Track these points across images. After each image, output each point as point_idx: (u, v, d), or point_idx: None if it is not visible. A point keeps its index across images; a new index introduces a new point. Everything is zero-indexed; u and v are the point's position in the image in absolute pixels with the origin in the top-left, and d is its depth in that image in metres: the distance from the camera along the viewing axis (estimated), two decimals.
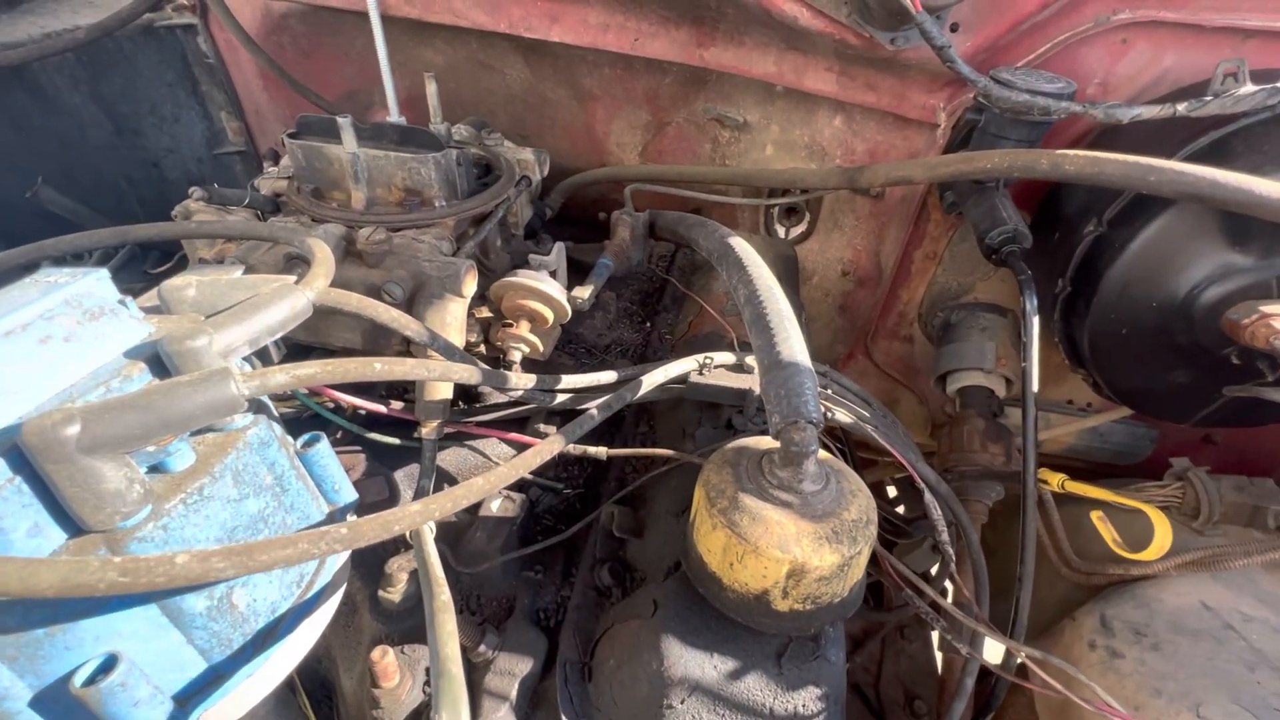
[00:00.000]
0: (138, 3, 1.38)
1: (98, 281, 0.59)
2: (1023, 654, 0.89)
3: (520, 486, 1.09)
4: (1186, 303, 1.10)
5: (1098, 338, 1.23)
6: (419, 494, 0.93)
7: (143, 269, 1.27)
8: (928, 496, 1.01)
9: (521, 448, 1.13)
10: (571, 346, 1.49)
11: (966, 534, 1.14)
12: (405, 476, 1.02)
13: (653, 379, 0.97)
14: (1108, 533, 1.22)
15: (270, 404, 0.72)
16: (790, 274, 1.76)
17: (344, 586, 0.74)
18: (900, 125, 1.56)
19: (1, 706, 0.48)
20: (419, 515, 0.56)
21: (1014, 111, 1.12)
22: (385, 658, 0.73)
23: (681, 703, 0.73)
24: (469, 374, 0.76)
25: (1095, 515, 1.25)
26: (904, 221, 1.67)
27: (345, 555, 0.74)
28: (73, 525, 0.49)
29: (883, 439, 1.10)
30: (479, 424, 1.03)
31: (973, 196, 1.30)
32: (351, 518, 0.81)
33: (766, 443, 0.82)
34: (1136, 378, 1.26)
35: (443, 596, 0.62)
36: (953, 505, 1.13)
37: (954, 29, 1.26)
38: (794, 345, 0.80)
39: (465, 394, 1.13)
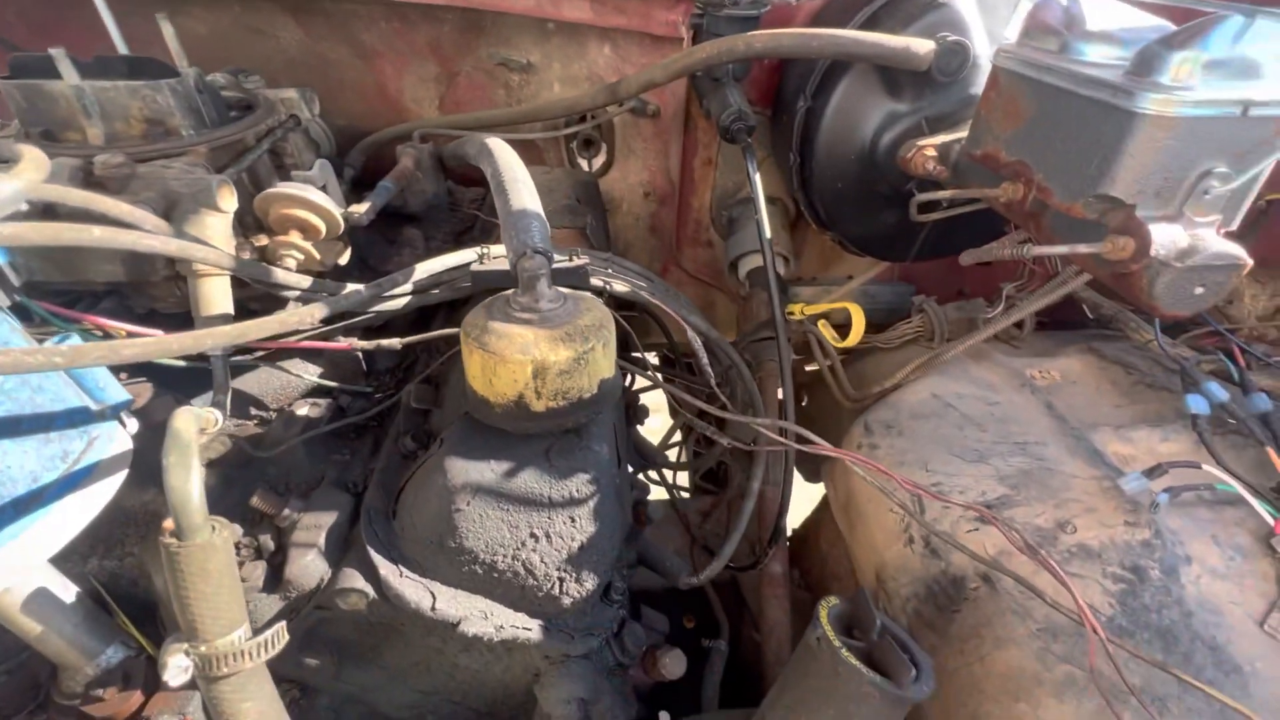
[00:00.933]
0: None
1: None
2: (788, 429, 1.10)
3: (329, 396, 1.15)
4: (871, 151, 1.36)
5: (824, 197, 1.48)
6: (215, 408, 0.96)
7: None
8: (690, 335, 1.19)
9: (329, 364, 1.18)
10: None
11: (741, 374, 1.35)
12: (201, 401, 1.05)
13: (427, 267, 1.06)
14: (827, 331, 1.50)
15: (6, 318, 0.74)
16: (593, 200, 1.91)
17: (121, 475, 0.78)
18: (656, 44, 1.74)
19: None
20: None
21: (718, 6, 1.31)
22: None
23: (468, 504, 0.84)
24: (215, 255, 0.81)
25: (820, 323, 1.52)
26: (678, 134, 1.87)
27: (116, 441, 0.77)
28: None
29: (659, 300, 1.27)
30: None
31: (711, 93, 1.50)
32: (129, 421, 0.84)
33: None
34: (860, 225, 1.53)
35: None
36: (725, 348, 1.32)
37: None
38: (524, 196, 0.93)
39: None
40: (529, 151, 2.09)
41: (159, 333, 0.99)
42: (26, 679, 0.90)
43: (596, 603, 0.95)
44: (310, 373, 1.15)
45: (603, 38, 1.80)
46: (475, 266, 1.16)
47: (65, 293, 1.01)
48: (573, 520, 0.88)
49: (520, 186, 0.96)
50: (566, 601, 0.90)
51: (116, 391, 0.81)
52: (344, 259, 1.27)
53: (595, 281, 1.24)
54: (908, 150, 1.28)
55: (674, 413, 1.94)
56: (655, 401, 1.99)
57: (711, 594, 1.68)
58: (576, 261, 1.20)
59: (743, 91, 1.49)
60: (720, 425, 2.12)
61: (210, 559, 0.65)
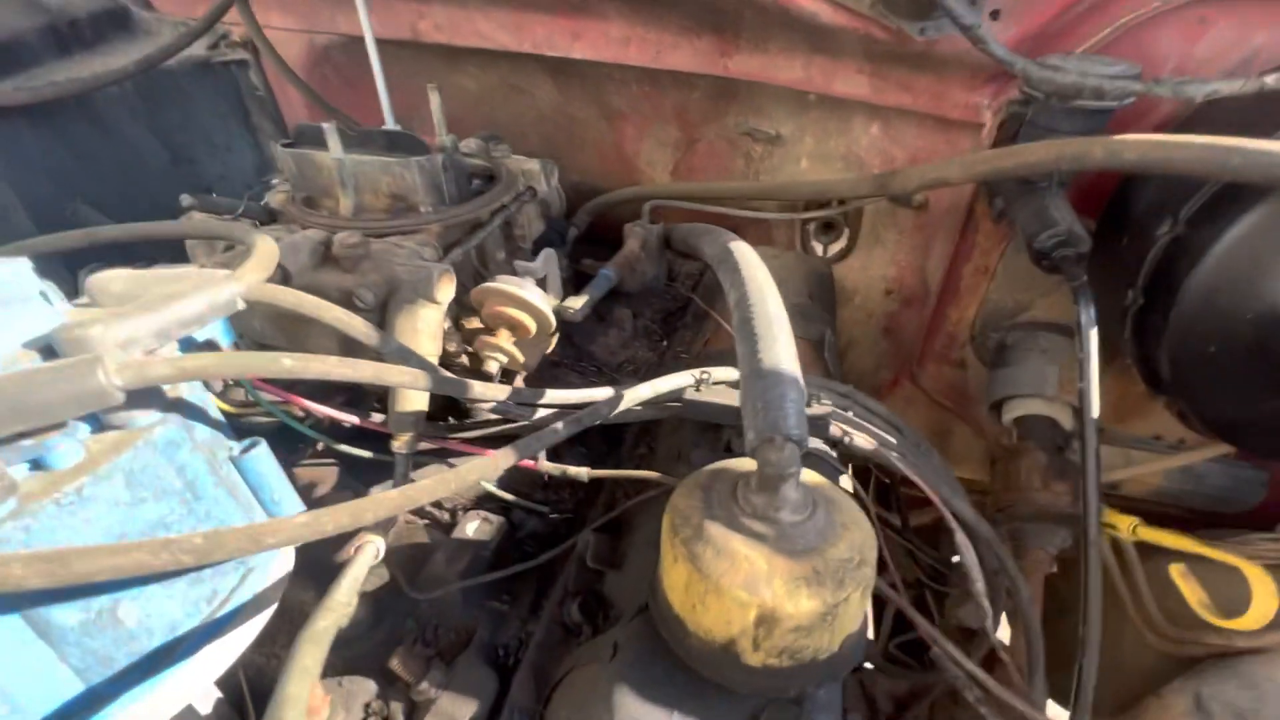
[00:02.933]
0: (177, 39, 1.46)
1: (16, 270, 0.57)
2: None
3: (503, 510, 1.02)
4: None
5: (1180, 358, 1.04)
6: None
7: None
8: (959, 537, 0.86)
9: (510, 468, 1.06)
10: (582, 364, 1.42)
11: (1015, 585, 0.97)
12: (380, 490, 0.97)
13: (636, 394, 0.88)
14: (1191, 592, 1.01)
15: (212, 405, 0.69)
16: (824, 291, 1.64)
17: (271, 608, 0.69)
18: (942, 128, 1.43)
19: None
20: (302, 529, 0.49)
21: (1062, 97, 0.98)
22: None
23: None
24: (409, 377, 0.70)
25: (1175, 570, 1.04)
26: (950, 233, 1.52)
27: (273, 569, 0.68)
28: None
29: (909, 468, 0.96)
30: (459, 439, 0.97)
31: (1021, 198, 1.15)
32: None
33: (750, 465, 0.71)
34: (1231, 406, 1.06)
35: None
36: (997, 550, 0.96)
37: (994, 16, 1.13)
38: (779, 351, 0.69)
39: (454, 409, 1.08)
40: (755, 228, 1.88)
41: (354, 419, 0.93)
42: None
43: None
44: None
45: (872, 114, 1.54)
46: (690, 395, 0.95)
47: None
48: None
49: (774, 331, 0.73)
50: None
51: (293, 504, 0.72)
52: (549, 349, 1.15)
53: (833, 430, 0.97)
54: None
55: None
56: None
57: None
58: (818, 409, 0.95)
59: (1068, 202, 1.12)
60: (938, 600, 1.69)
61: None
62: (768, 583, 0.58)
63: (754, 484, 0.64)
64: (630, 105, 1.81)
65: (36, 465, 0.52)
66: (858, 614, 0.62)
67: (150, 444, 0.56)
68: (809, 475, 0.69)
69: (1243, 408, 1.04)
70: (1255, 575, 0.94)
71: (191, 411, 0.63)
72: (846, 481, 1.09)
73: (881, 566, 0.91)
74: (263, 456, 0.69)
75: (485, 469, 0.65)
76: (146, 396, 0.57)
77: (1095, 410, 0.94)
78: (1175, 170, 0.83)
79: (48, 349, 0.53)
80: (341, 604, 0.60)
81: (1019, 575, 0.95)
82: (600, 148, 1.94)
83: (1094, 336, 0.96)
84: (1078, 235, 1.02)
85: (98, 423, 0.56)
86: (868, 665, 1.89)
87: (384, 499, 0.55)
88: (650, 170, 1.95)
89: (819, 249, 1.84)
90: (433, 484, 0.60)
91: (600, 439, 1.15)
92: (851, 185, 1.43)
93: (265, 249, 0.67)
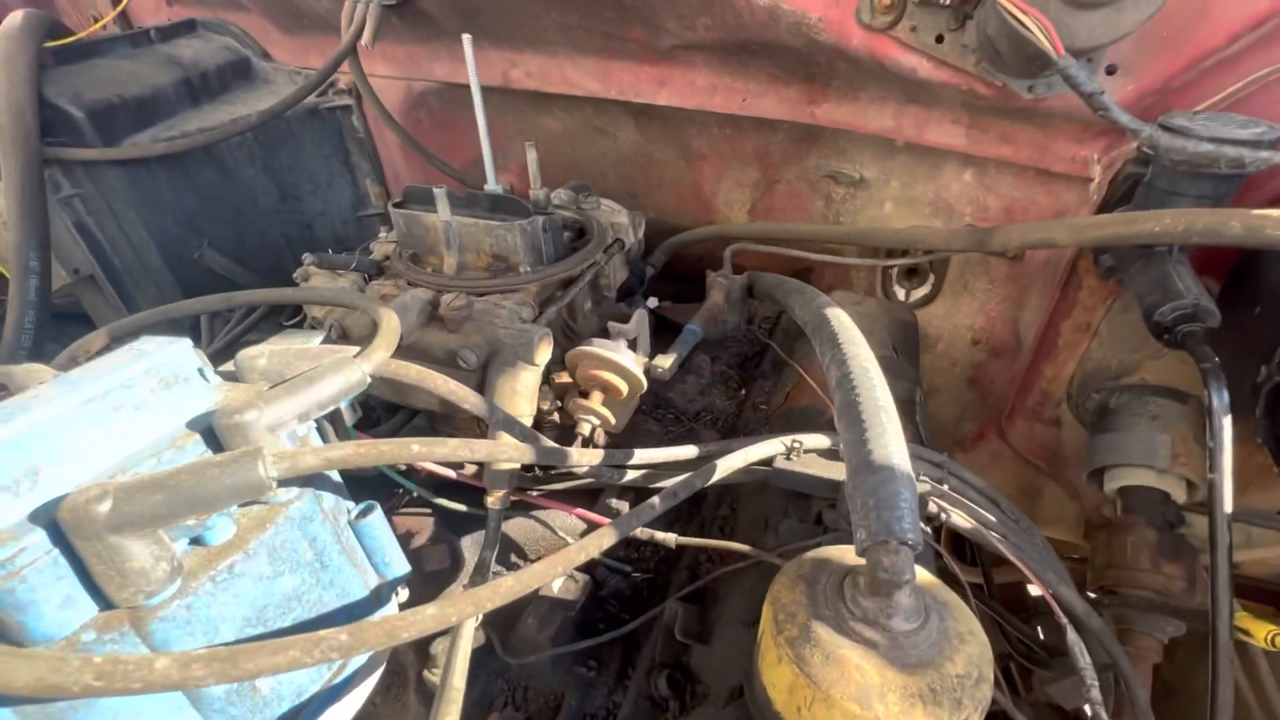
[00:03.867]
0: (297, 91, 1.57)
1: (180, 351, 0.63)
2: None
3: (586, 567, 1.03)
4: None
5: None
6: (480, 566, 0.90)
7: (279, 320, 1.40)
8: (1071, 635, 0.81)
9: (592, 524, 1.08)
10: (660, 411, 1.43)
11: (1128, 684, 0.90)
12: (471, 544, 1.00)
13: (729, 463, 0.88)
14: None
15: (334, 470, 0.73)
16: (908, 341, 1.59)
17: (382, 667, 0.71)
18: (1043, 179, 1.37)
19: None
20: (431, 621, 0.51)
21: (1191, 165, 0.92)
22: None
23: None
24: (517, 452, 0.72)
25: None
26: (1048, 287, 1.45)
27: None
28: (104, 599, 0.49)
29: (1012, 552, 0.91)
30: (547, 495, 0.99)
31: (1138, 262, 1.08)
32: (401, 592, 0.79)
33: (851, 553, 0.69)
34: None
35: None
36: (1108, 645, 0.90)
37: (1110, 71, 1.08)
38: (889, 444, 0.67)
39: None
40: (834, 270, 1.85)
41: (454, 475, 0.96)
42: None
43: None
44: (572, 530, 1.04)
45: (965, 162, 1.49)
46: (780, 463, 0.94)
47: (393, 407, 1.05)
48: None
49: (883, 417, 0.71)
50: None
51: (399, 565, 0.76)
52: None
53: (930, 508, 0.94)
54: None
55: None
56: None
57: None
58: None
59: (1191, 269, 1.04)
60: (1024, 675, 1.59)
61: None
62: (881, 698, 0.56)
63: (864, 587, 0.62)
64: (710, 147, 1.82)
65: (195, 541, 0.56)
66: None
67: (289, 519, 0.60)
68: (921, 575, 0.67)
69: None
70: None
71: (320, 481, 0.67)
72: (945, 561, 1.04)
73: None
74: (377, 522, 0.73)
75: (590, 549, 0.66)
76: None
77: (1229, 504, 0.87)
78: None
79: (208, 430, 0.58)
80: (457, 689, 0.62)
81: (1134, 675, 0.88)
82: (678, 187, 1.96)
83: (1228, 425, 0.89)
84: (1206, 310, 0.95)
85: None
86: None
87: (501, 586, 0.57)
88: (727, 210, 1.95)
89: (901, 294, 1.79)
90: (543, 568, 0.61)
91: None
92: (944, 238, 1.38)
93: (390, 327, 0.71)
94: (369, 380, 0.67)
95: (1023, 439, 1.67)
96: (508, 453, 0.70)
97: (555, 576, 0.64)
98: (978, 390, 1.77)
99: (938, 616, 0.62)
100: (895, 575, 0.59)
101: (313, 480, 0.66)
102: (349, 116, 2.05)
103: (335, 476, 0.72)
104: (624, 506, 1.04)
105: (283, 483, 0.59)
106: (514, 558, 1.03)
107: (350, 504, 0.73)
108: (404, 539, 1.00)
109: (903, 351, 1.51)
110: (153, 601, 0.49)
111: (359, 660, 0.67)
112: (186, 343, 0.64)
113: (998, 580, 1.49)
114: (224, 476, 0.49)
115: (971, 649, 0.60)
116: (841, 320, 0.93)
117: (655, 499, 0.77)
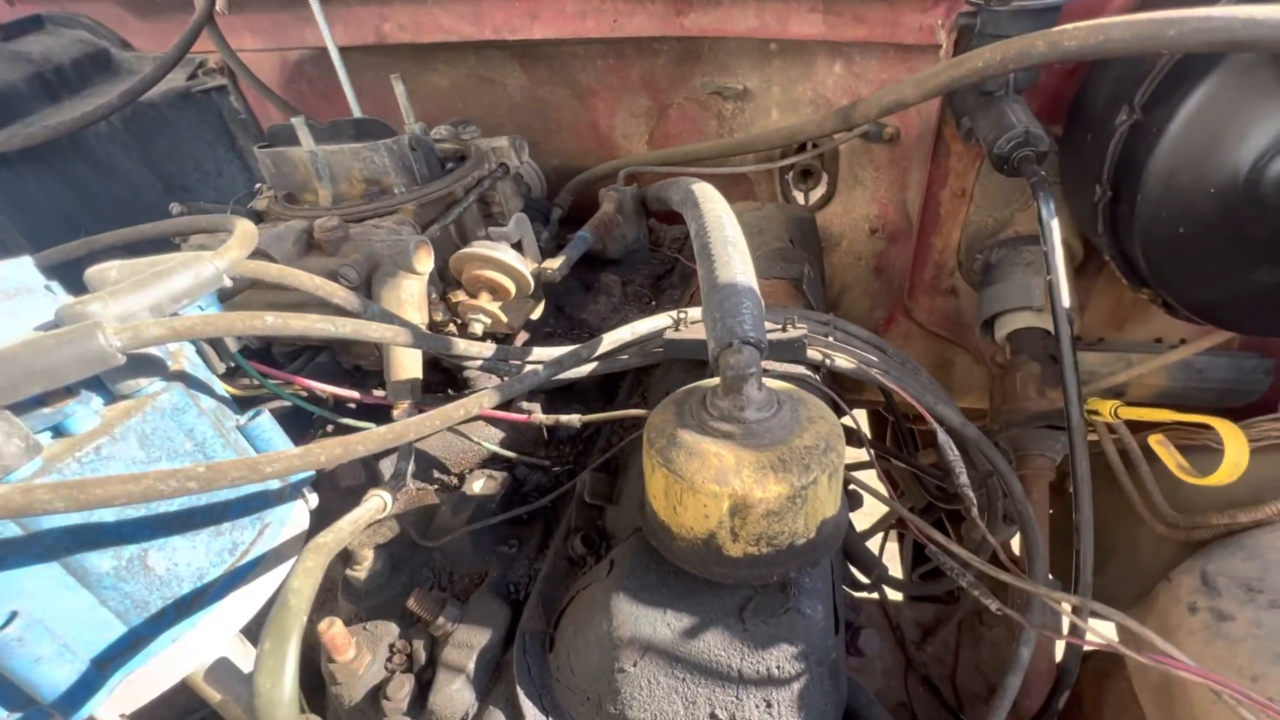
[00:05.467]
0: (155, 69, 1.52)
1: (19, 266, 0.63)
2: (1077, 607, 0.75)
3: (506, 466, 1.06)
4: (1252, 180, 0.91)
5: (1151, 244, 1.05)
6: (396, 476, 0.92)
7: None
8: (941, 436, 0.89)
9: (511, 428, 1.11)
10: (575, 333, 1.46)
11: (1007, 483, 0.99)
12: (389, 463, 1.02)
13: (616, 336, 0.92)
14: (1170, 458, 1.02)
15: (216, 383, 0.74)
16: (806, 237, 1.66)
17: (291, 560, 0.74)
18: (902, 55, 1.44)
19: None
20: (296, 459, 0.54)
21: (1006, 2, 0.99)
22: (332, 628, 0.71)
23: (634, 665, 0.66)
24: (390, 333, 0.74)
25: (1154, 440, 1.05)
26: (924, 161, 1.53)
27: (288, 525, 0.74)
28: None
29: (893, 382, 0.98)
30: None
31: (981, 110, 1.16)
32: (310, 497, 0.81)
33: None
34: (1209, 286, 1.06)
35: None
36: (985, 450, 0.99)
37: None
38: (734, 267, 0.72)
39: (452, 382, 1.13)
40: (738, 185, 1.90)
41: (355, 394, 0.98)
42: None
43: None
44: (490, 439, 1.08)
45: (833, 54, 1.55)
46: (670, 334, 0.99)
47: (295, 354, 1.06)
48: (769, 706, 0.65)
49: (728, 250, 0.76)
50: None
51: None
52: (536, 314, 1.19)
53: (813, 354, 1.00)
54: None
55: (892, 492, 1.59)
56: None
57: None
58: (792, 332, 0.98)
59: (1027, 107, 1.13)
60: (955, 524, 1.70)
61: None
62: (736, 473, 0.61)
63: (720, 390, 0.67)
64: (598, 80, 1.84)
65: (57, 432, 0.57)
66: (829, 499, 0.65)
67: (158, 409, 0.62)
68: (775, 383, 0.72)
69: (1221, 285, 1.05)
70: (1224, 428, 0.95)
71: (195, 383, 0.68)
72: (849, 420, 1.11)
73: (894, 487, 0.93)
74: (267, 424, 0.74)
75: (470, 406, 0.70)
76: (151, 366, 0.63)
77: (1067, 300, 0.95)
78: (1115, 51, 0.84)
79: (54, 328, 0.59)
80: (343, 529, 0.65)
81: (1009, 472, 0.97)
82: (575, 128, 1.97)
83: (1055, 228, 0.97)
84: (1035, 135, 1.03)
85: (109, 394, 0.61)
86: (894, 596, 1.91)
87: (374, 433, 0.60)
88: (626, 143, 1.98)
89: (800, 198, 1.86)
90: (420, 420, 0.64)
91: (596, 393, 1.19)
92: (817, 124, 1.44)
93: (244, 228, 0.72)
94: (225, 279, 0.68)
95: (925, 314, 1.77)
96: (378, 331, 0.73)
97: (433, 430, 0.67)
98: (883, 278, 1.86)
99: (790, 408, 0.68)
100: (741, 370, 0.64)
101: (189, 383, 0.67)
102: (226, 98, 1.99)
103: (219, 389, 0.73)
104: (535, 408, 1.07)
105: (143, 372, 0.61)
106: (436, 473, 1.06)
107: (240, 415, 0.75)
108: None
109: (800, 244, 1.57)
110: (12, 478, 0.51)
111: (261, 549, 0.70)
112: (27, 259, 0.64)
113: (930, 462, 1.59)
114: (62, 347, 0.51)
115: (820, 427, 0.66)
116: (704, 188, 0.97)
117: (538, 366, 0.81)
